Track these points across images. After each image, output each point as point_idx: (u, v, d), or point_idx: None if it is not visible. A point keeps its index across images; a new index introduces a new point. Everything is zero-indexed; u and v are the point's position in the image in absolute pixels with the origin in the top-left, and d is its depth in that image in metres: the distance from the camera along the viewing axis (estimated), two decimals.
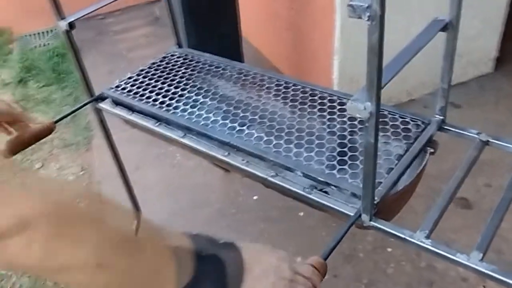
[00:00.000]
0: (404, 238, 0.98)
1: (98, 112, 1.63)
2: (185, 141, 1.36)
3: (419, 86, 2.66)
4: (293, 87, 1.50)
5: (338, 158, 1.20)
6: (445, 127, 1.26)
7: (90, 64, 2.76)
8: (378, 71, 0.81)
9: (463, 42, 2.49)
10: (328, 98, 1.43)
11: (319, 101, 1.42)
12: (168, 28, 1.74)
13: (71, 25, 1.38)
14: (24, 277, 1.92)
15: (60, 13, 1.38)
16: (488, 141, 1.19)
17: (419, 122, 1.27)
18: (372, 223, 1.02)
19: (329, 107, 1.40)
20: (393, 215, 1.15)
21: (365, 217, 1.02)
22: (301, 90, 1.48)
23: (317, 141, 1.28)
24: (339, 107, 1.39)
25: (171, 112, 1.44)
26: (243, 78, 1.59)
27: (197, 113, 1.42)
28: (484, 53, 2.74)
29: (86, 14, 1.42)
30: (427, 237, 0.97)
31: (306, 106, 1.42)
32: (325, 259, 0.83)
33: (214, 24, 2.13)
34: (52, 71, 3.17)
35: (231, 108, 1.43)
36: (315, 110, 1.40)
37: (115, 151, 1.88)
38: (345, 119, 1.35)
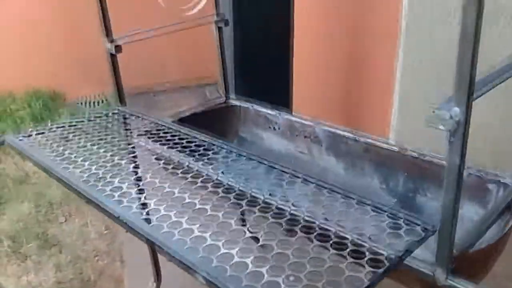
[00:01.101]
0: None
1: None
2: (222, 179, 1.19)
3: None
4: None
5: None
6: None
7: None
8: (472, 66, 0.65)
9: None
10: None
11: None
12: None
13: (117, 48, 1.32)
14: None
15: (108, 35, 1.33)
16: None
17: (499, 180, 1.07)
18: (450, 281, 0.79)
19: None
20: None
21: (439, 274, 0.79)
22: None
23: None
24: None
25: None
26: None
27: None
28: None
29: (133, 36, 1.36)
30: None
31: None
32: None
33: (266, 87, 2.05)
34: None
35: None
36: None
37: None
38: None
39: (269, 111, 1.57)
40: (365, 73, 2.34)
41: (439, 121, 0.69)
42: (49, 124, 1.31)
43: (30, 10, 3.54)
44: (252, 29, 1.93)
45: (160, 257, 1.77)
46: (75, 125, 1.33)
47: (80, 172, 1.09)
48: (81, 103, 3.89)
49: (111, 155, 1.18)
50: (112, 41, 1.33)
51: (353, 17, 2.19)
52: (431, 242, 0.81)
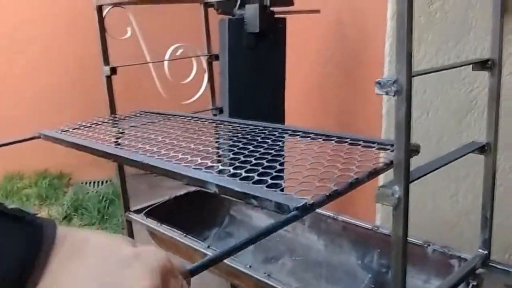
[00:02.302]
0: None
1: (130, 225, 1.62)
2: (209, 252, 1.29)
3: None
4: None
5: None
6: (491, 264, 1.14)
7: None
8: (406, 150, 0.78)
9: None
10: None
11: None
12: None
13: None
14: None
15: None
16: None
17: (459, 256, 1.17)
18: None
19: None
20: None
21: None
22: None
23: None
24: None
25: None
26: None
27: None
28: None
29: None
30: None
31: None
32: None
33: None
34: (98, 212, 3.26)
35: None
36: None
37: None
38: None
39: None
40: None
41: (383, 198, 0.81)
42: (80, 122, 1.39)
43: (41, 100, 3.79)
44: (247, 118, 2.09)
45: None
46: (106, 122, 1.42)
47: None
48: (86, 183, 4.04)
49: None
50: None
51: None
52: None
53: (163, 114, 1.41)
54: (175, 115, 1.38)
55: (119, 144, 1.13)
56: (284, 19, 1.91)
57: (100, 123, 1.37)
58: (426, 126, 2.13)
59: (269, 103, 1.73)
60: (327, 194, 0.75)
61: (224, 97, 1.93)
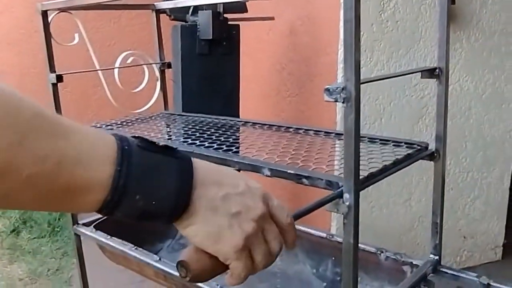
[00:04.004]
0: None
1: (78, 238, 1.56)
2: (160, 265, 1.25)
3: None
4: None
5: None
6: (441, 269, 1.15)
7: None
8: (356, 157, 0.78)
9: (466, 222, 2.44)
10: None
11: None
12: None
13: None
14: None
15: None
16: (489, 284, 1.08)
17: (411, 262, 1.17)
18: None
19: None
20: None
21: None
22: None
23: None
24: None
25: None
26: None
27: None
28: (491, 239, 2.65)
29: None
30: None
31: None
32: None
33: None
34: (48, 225, 3.13)
35: None
36: None
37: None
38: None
39: None
40: None
41: (334, 206, 0.80)
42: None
43: None
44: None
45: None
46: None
47: None
48: None
49: None
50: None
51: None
52: None
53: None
54: None
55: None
56: (238, 26, 1.89)
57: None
58: (380, 132, 2.16)
59: (223, 110, 1.71)
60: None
61: (178, 105, 1.90)
